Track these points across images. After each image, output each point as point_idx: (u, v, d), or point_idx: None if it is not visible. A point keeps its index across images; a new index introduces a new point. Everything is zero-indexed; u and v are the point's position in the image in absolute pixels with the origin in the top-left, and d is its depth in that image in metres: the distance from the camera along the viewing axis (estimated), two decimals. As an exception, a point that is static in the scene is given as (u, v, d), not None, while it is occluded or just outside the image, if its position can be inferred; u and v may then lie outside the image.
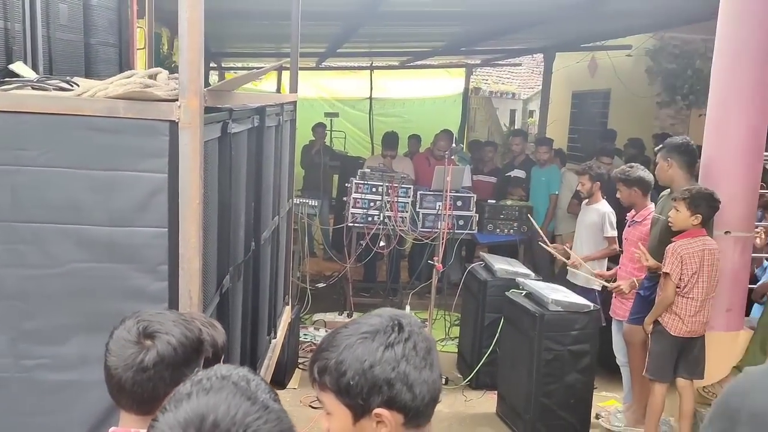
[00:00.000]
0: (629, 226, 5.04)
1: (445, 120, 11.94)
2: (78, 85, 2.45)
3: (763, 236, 5.15)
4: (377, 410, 1.31)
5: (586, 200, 5.88)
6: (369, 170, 7.28)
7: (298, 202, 6.75)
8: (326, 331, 6.60)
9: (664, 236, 4.37)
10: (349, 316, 6.89)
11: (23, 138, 2.16)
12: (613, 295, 5.08)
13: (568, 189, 7.46)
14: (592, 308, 4.70)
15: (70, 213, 2.18)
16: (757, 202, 4.70)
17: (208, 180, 2.39)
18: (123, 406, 1.60)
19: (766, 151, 4.55)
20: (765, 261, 5.30)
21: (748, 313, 4.75)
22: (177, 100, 2.15)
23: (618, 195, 5.11)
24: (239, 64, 14.45)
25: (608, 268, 5.61)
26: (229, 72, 14.20)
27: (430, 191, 7.12)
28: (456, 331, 6.46)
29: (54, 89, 2.39)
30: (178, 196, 2.20)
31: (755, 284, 4.69)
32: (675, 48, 9.86)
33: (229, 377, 1.18)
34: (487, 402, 5.33)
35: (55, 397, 2.23)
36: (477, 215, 7.20)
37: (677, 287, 4.13)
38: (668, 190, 4.60)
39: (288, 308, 5.28)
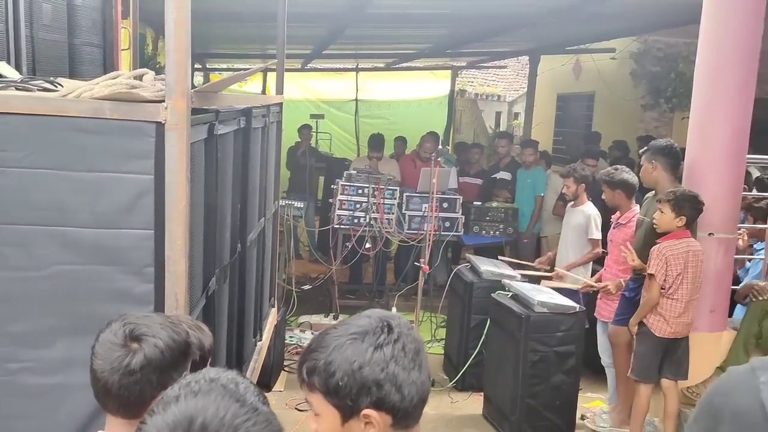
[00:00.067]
0: (614, 228, 5.07)
1: (431, 122, 11.98)
2: (62, 86, 2.43)
3: (745, 238, 5.22)
4: (366, 411, 1.31)
5: (572, 202, 5.91)
6: (355, 172, 7.28)
7: (283, 203, 6.73)
8: (312, 333, 6.58)
9: (648, 238, 4.40)
10: (335, 318, 6.88)
11: (7, 139, 2.14)
12: (598, 296, 5.11)
13: (554, 191, 7.49)
14: (577, 309, 4.72)
15: (55, 215, 2.16)
16: (739, 204, 4.75)
17: (194, 182, 2.37)
18: (109, 409, 1.58)
19: (748, 153, 4.60)
20: (747, 262, 5.36)
21: (731, 314, 4.79)
22: (163, 101, 2.14)
23: (603, 197, 5.15)
24: (224, 65, 14.41)
25: (593, 270, 5.65)
26: (214, 73, 14.16)
27: (416, 193, 7.13)
28: (442, 332, 6.46)
29: (38, 90, 2.37)
30: (164, 197, 2.18)
31: (738, 285, 4.73)
32: (658, 51, 9.95)
33: (217, 380, 1.18)
34: (473, 403, 5.34)
35: (40, 400, 2.20)
36: (463, 217, 7.22)
37: (662, 288, 4.17)
38: (653, 192, 4.64)
39: (274, 310, 5.26)
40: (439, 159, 6.37)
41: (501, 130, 15.29)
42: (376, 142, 8.03)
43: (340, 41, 9.21)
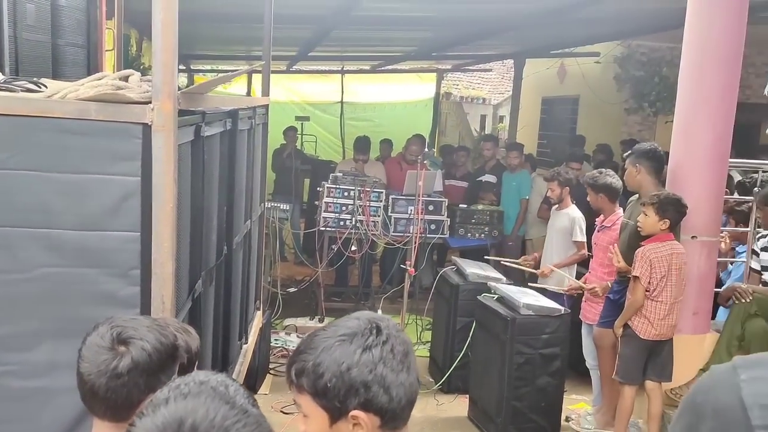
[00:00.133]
0: (598, 231, 5.10)
1: (416, 124, 11.99)
2: (46, 87, 2.40)
3: (728, 241, 5.27)
4: (354, 412, 1.31)
5: (556, 205, 5.95)
6: (341, 174, 7.27)
7: (269, 206, 6.71)
8: (298, 336, 6.57)
9: (633, 241, 4.43)
10: (321, 321, 6.87)
11: (-9, 140, 2.12)
12: (583, 299, 5.15)
13: (539, 194, 7.54)
14: (562, 312, 4.75)
15: (39, 217, 2.14)
16: (722, 208, 4.80)
17: (181, 183, 2.36)
18: (96, 413, 1.57)
19: (730, 157, 4.65)
20: (730, 265, 5.41)
21: (714, 317, 4.84)
22: (150, 102, 2.13)
23: (588, 199, 5.19)
24: (208, 67, 14.35)
25: (578, 273, 5.68)
26: (198, 74, 14.10)
27: (401, 195, 7.13)
28: (428, 335, 6.47)
29: (21, 90, 2.34)
30: (151, 199, 2.17)
31: (721, 288, 4.78)
32: (642, 56, 10.04)
33: (207, 382, 1.17)
34: (458, 406, 5.35)
35: (23, 404, 2.18)
36: (448, 220, 7.23)
37: (646, 291, 4.20)
38: (637, 195, 4.67)
39: (259, 313, 5.24)
40: (425, 162, 6.39)
41: (486, 133, 15.34)
42: (362, 144, 8.02)
43: (326, 43, 9.20)
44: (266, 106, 5.08)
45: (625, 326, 4.33)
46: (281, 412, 4.91)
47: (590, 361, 5.11)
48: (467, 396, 5.25)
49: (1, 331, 2.17)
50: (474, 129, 16.21)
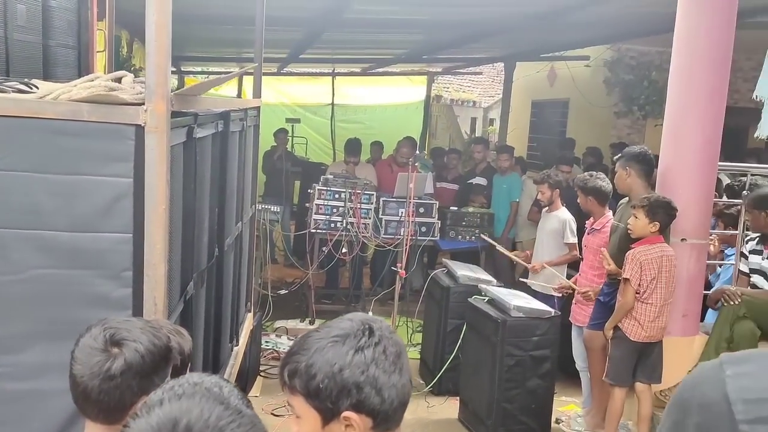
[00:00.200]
0: (589, 234, 5.13)
1: (407, 127, 12.01)
2: (37, 88, 2.40)
3: (716, 244, 5.31)
4: (346, 413, 1.32)
5: (546, 208, 5.98)
6: (332, 176, 7.27)
7: (260, 208, 6.70)
8: (288, 338, 6.56)
9: (623, 243, 4.46)
10: (311, 323, 6.86)
11: (-18, 141, 2.10)
12: (573, 301, 5.17)
13: (529, 196, 7.56)
14: (553, 314, 4.77)
15: (31, 218, 2.13)
16: (711, 211, 4.83)
17: (173, 185, 2.35)
18: (88, 415, 1.57)
19: (719, 161, 4.68)
20: (719, 268, 5.45)
21: (703, 319, 4.87)
22: (143, 104, 2.12)
23: (578, 201, 5.22)
24: (198, 68, 14.32)
25: (568, 275, 5.71)
26: (189, 76, 14.06)
27: (392, 198, 7.14)
28: (418, 337, 6.48)
29: (13, 91, 2.33)
30: (143, 201, 2.16)
31: (710, 290, 4.81)
32: (632, 60, 10.10)
33: (201, 383, 1.18)
34: (449, 408, 5.36)
35: (14, 406, 2.17)
36: (439, 222, 7.25)
37: (636, 293, 4.22)
38: (627, 198, 4.70)
39: (250, 315, 5.23)
40: (415, 164, 6.40)
41: (476, 135, 15.39)
42: (353, 146, 8.03)
43: (317, 45, 9.20)
44: (258, 108, 5.08)
45: (616, 328, 4.36)
46: (272, 414, 4.91)
47: (580, 363, 5.13)
48: (458, 398, 5.26)
49: (-7, 332, 2.15)
50: (464, 132, 16.25)
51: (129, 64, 7.83)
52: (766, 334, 4.28)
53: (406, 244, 6.08)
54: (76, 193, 2.14)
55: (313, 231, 6.99)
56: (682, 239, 4.50)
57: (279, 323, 6.89)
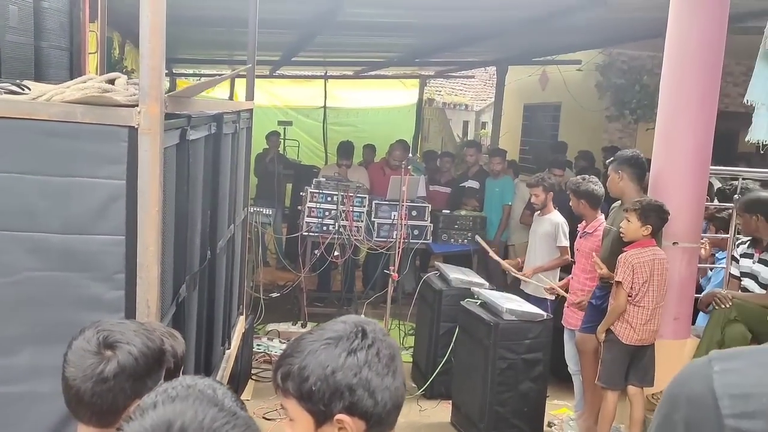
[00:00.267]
0: (581, 238, 5.14)
1: (399, 130, 12.03)
2: (29, 89, 2.38)
3: (707, 247, 5.33)
4: (339, 416, 1.31)
5: (538, 211, 5.99)
6: (324, 179, 7.26)
7: (252, 210, 6.69)
8: (280, 341, 6.54)
9: (615, 247, 4.47)
10: (303, 326, 6.85)
11: (-27, 142, 2.09)
12: (565, 304, 5.18)
13: (521, 200, 7.58)
14: (545, 317, 4.78)
15: (23, 220, 2.11)
16: (702, 215, 4.86)
17: (166, 187, 2.34)
18: (81, 418, 1.55)
19: (711, 165, 4.71)
20: (709, 271, 5.47)
21: (694, 322, 4.89)
22: (137, 105, 2.11)
23: (570, 204, 5.23)
24: (190, 71, 14.28)
25: (560, 278, 5.72)
26: (181, 78, 14.02)
27: (385, 201, 7.14)
28: (411, 340, 6.47)
29: (5, 92, 2.32)
30: (136, 203, 2.15)
31: (701, 294, 4.83)
32: (623, 64, 10.15)
33: (194, 386, 1.17)
34: (441, 411, 5.35)
35: (6, 409, 2.15)
36: (432, 225, 7.25)
37: (628, 296, 4.24)
38: (619, 201, 4.72)
39: (242, 318, 5.22)
40: (408, 167, 6.40)
41: (468, 139, 15.41)
42: (346, 149, 8.03)
43: (310, 48, 9.20)
44: (250, 111, 5.07)
45: (608, 331, 4.37)
46: (263, 418, 4.89)
47: (572, 366, 5.14)
48: (450, 401, 5.25)
49: (-17, 335, 2.14)
50: (457, 135, 16.27)
51: (121, 66, 7.80)
52: (757, 337, 4.30)
53: (399, 247, 6.07)
54: (68, 195, 2.13)
55: (306, 234, 6.98)
56: (674, 243, 4.52)
57: (271, 326, 6.88)
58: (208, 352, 3.70)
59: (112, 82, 2.34)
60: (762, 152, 4.76)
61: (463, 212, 7.71)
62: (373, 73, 13.55)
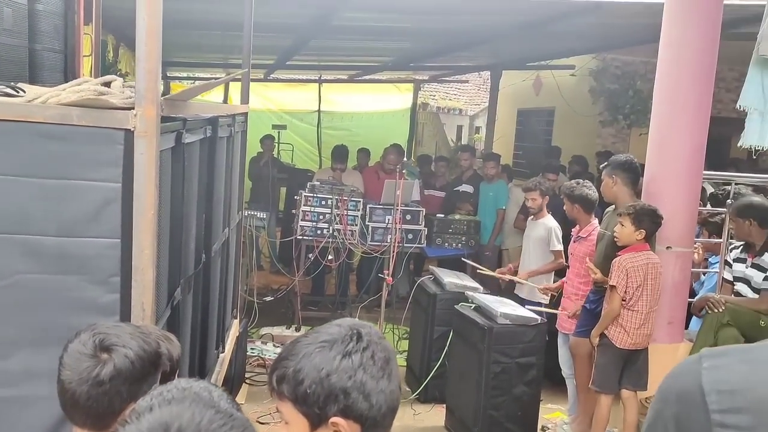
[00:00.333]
0: (574, 242, 5.16)
1: (393, 134, 12.03)
2: (24, 91, 2.37)
3: (701, 252, 5.35)
4: (333, 419, 1.31)
5: (532, 216, 6.00)
6: (318, 183, 7.26)
7: (246, 214, 6.68)
8: (274, 345, 6.53)
9: (609, 251, 4.49)
10: (297, 330, 6.84)
11: (-32, 144, 2.08)
12: (560, 308, 5.19)
13: (515, 204, 7.60)
14: (539, 321, 4.78)
15: (17, 222, 2.10)
16: (696, 219, 4.88)
17: (161, 190, 2.34)
18: (76, 421, 1.55)
19: (704, 170, 4.73)
20: (703, 276, 5.50)
21: (687, 326, 4.91)
22: (133, 108, 2.11)
23: (564, 209, 5.25)
24: (184, 74, 14.26)
25: (554, 282, 5.74)
26: (175, 82, 13.99)
27: (379, 205, 7.15)
28: (405, 344, 6.48)
29: (0, 95, 2.31)
30: (131, 206, 2.14)
31: (694, 298, 4.85)
32: (617, 69, 10.19)
33: (190, 388, 1.17)
34: (435, 415, 5.35)
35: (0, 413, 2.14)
36: (426, 229, 7.26)
37: (622, 300, 4.25)
38: (613, 206, 4.73)
39: (236, 322, 5.20)
40: (402, 171, 6.42)
41: (462, 143, 15.44)
42: (340, 153, 8.03)
43: (304, 52, 9.21)
44: (245, 114, 5.07)
45: (602, 335, 4.38)
46: (257, 422, 4.87)
47: (566, 370, 5.15)
48: (444, 405, 5.25)
49: (-24, 339, 2.12)
50: (450, 139, 16.30)
51: (115, 69, 7.78)
52: (750, 341, 4.31)
53: (393, 251, 6.07)
54: (64, 198, 2.12)
55: (300, 237, 6.98)
56: (668, 247, 4.54)
57: (265, 330, 6.87)
58: (203, 355, 3.69)
59: (108, 84, 2.34)
60: (755, 157, 4.79)
61: (457, 216, 7.72)
62: (367, 77, 13.57)
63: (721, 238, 5.08)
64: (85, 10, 4.50)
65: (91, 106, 2.10)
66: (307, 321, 6.89)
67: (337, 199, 6.97)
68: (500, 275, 6.10)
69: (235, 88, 11.97)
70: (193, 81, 14.29)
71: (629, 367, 4.36)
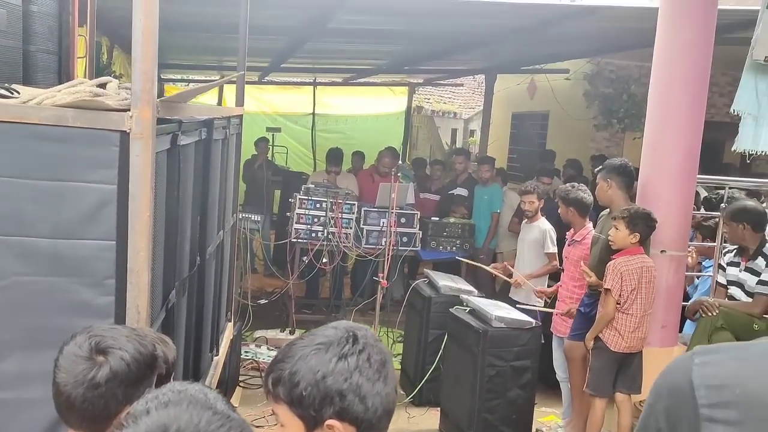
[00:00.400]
0: (569, 245, 5.16)
1: (388, 137, 12.03)
2: (18, 93, 2.37)
3: (694, 255, 5.37)
4: (329, 421, 1.31)
5: (526, 219, 6.02)
6: (313, 186, 7.26)
7: (240, 216, 6.66)
8: (268, 348, 6.51)
9: (604, 254, 4.50)
10: (292, 333, 6.82)
11: (-37, 146, 2.07)
12: (554, 311, 5.20)
13: (510, 207, 7.61)
14: (534, 325, 4.79)
15: (12, 224, 2.09)
16: (690, 223, 4.89)
17: (156, 192, 2.33)
18: (71, 424, 1.54)
19: (698, 174, 4.75)
20: (696, 279, 5.51)
21: (681, 330, 4.92)
22: (128, 110, 2.11)
23: (559, 212, 5.26)
24: (179, 76, 14.24)
25: (549, 286, 5.74)
26: (169, 84, 13.97)
27: (374, 208, 7.14)
28: (399, 347, 6.46)
29: (-5, 96, 2.30)
30: (127, 207, 2.14)
31: (688, 302, 4.86)
32: (611, 73, 10.23)
33: (185, 391, 1.17)
34: (430, 419, 5.34)
35: (-8, 416, 2.13)
36: (420, 232, 7.25)
37: (617, 303, 4.26)
38: (607, 210, 4.75)
39: (230, 325, 5.19)
40: (397, 174, 6.42)
41: (457, 146, 15.45)
42: (335, 156, 8.02)
43: (299, 55, 9.20)
44: (240, 117, 5.06)
45: (596, 339, 4.39)
46: (252, 425, 4.85)
47: (561, 373, 5.15)
48: (438, 409, 5.25)
49: (-29, 341, 2.11)
50: (445, 143, 16.30)
51: (109, 71, 7.77)
52: (744, 345, 4.33)
53: (388, 254, 6.07)
54: (59, 200, 2.11)
55: (294, 240, 6.97)
56: (662, 251, 4.55)
57: (259, 333, 6.84)
58: (197, 358, 3.68)
59: (103, 86, 2.33)
60: (748, 161, 4.81)
61: (451, 220, 7.72)
62: (362, 80, 13.57)
63: (714, 241, 5.10)
64: (79, 12, 4.49)
65: (86, 107, 2.09)
66: (301, 324, 6.88)
67: (331, 202, 6.96)
68: (494, 270, 6.11)
69: (229, 91, 11.96)
70: (187, 83, 14.28)
71: (623, 370, 4.37)
